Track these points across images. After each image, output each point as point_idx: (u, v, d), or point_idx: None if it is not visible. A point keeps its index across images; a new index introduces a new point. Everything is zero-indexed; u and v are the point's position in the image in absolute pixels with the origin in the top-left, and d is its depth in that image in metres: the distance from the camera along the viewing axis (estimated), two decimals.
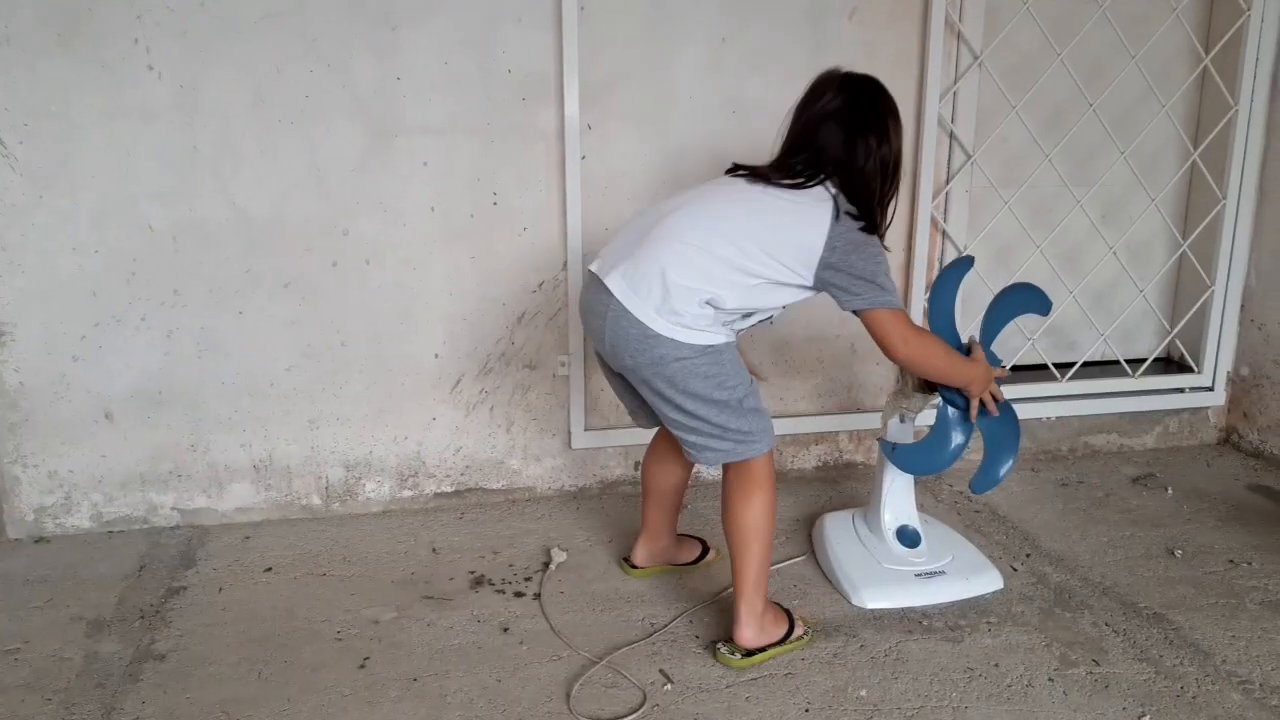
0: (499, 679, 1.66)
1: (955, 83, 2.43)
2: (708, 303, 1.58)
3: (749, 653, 1.70)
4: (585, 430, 2.37)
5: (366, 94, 2.11)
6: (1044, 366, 2.63)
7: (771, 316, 1.71)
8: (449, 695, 1.61)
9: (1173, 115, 2.60)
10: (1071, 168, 2.59)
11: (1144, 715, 1.57)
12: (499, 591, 1.96)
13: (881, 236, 1.65)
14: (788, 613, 1.78)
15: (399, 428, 2.30)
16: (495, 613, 1.87)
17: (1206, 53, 2.60)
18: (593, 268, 1.67)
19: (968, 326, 2.11)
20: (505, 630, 1.81)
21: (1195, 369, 2.76)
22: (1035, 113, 2.50)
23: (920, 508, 2.06)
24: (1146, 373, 2.71)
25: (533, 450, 2.38)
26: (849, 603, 1.91)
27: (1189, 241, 2.68)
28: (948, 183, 2.49)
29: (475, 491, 2.38)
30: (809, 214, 1.59)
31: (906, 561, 1.97)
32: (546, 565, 2.05)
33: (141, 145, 2.03)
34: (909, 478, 2.01)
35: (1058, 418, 2.68)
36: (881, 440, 1.97)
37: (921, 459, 1.92)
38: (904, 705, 1.60)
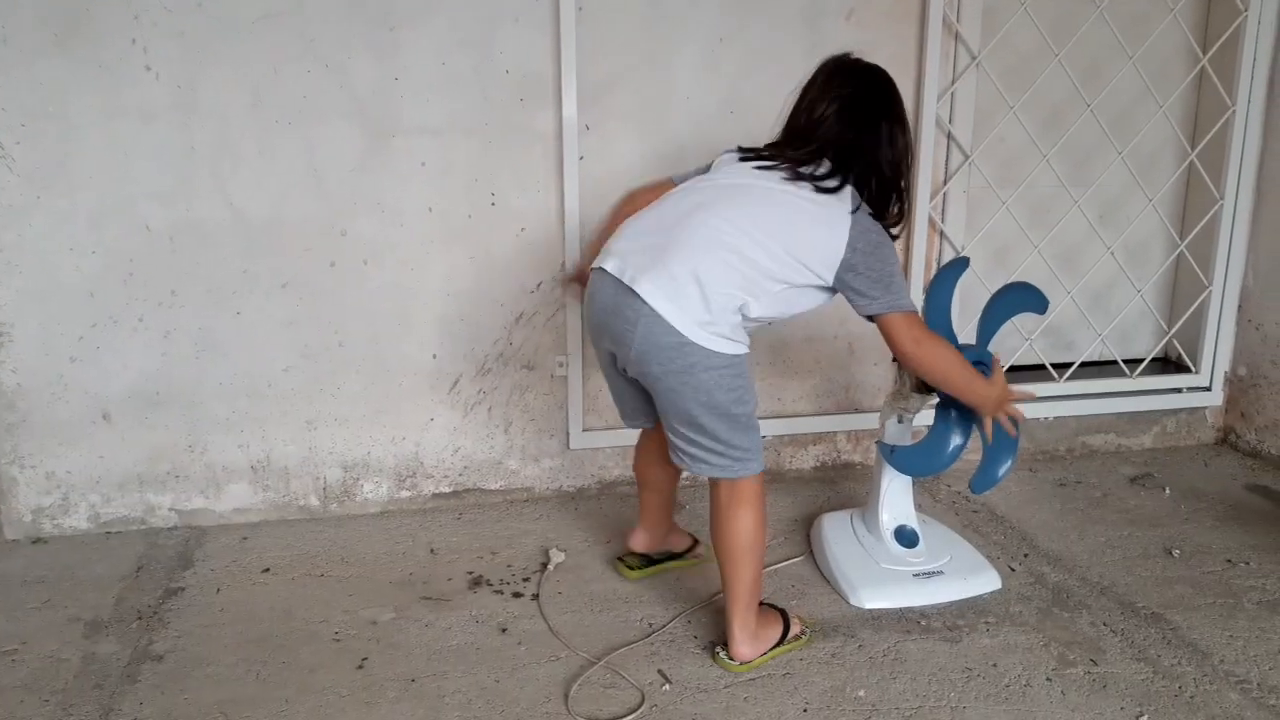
0: (497, 679, 1.66)
1: (953, 83, 2.43)
2: (739, 309, 1.55)
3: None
4: (583, 431, 2.37)
5: (364, 94, 2.11)
6: (1042, 367, 2.64)
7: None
8: (447, 696, 1.61)
9: (1170, 116, 2.60)
10: (1069, 168, 2.59)
11: (1142, 715, 1.58)
12: (497, 592, 1.96)
13: (904, 224, 1.64)
14: (781, 612, 1.78)
15: (397, 428, 2.29)
16: (493, 613, 1.87)
17: (1204, 53, 2.60)
18: (608, 268, 1.59)
19: (965, 327, 2.11)
20: (503, 631, 1.81)
21: (1193, 369, 2.76)
22: (1033, 113, 2.50)
23: (918, 508, 2.06)
24: (1144, 373, 2.71)
25: (531, 451, 2.38)
26: (847, 603, 1.91)
27: (1186, 242, 2.69)
28: (945, 183, 2.49)
29: (473, 492, 2.37)
30: (831, 212, 1.57)
31: (904, 561, 1.97)
32: (545, 566, 2.05)
33: (139, 146, 2.03)
34: (907, 478, 2.01)
35: (1055, 418, 2.68)
36: (880, 442, 1.97)
37: (920, 460, 1.92)
38: (902, 705, 1.60)
